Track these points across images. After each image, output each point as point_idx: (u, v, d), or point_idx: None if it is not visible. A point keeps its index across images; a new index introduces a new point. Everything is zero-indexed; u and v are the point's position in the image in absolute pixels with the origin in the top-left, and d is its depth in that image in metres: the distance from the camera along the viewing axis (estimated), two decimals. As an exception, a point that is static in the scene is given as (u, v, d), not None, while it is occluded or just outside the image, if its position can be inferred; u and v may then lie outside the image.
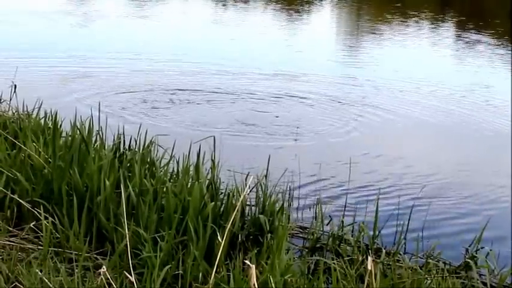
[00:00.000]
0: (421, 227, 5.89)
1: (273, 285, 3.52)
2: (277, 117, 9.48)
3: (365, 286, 3.53)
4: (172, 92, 10.51)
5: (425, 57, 16.68)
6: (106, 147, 5.98)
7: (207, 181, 5.39)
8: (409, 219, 5.66)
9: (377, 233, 5.40)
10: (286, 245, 4.80)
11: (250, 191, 5.50)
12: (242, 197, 4.64)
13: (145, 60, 13.02)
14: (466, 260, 5.16)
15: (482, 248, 5.43)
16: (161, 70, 12.14)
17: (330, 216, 5.76)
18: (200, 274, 4.26)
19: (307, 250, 5.24)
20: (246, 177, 5.43)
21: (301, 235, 5.52)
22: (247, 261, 3.64)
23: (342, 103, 10.61)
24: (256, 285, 3.22)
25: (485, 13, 25.70)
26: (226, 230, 3.69)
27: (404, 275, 4.60)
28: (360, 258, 4.81)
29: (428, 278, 4.59)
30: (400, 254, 5.21)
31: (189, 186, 5.16)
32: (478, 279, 4.89)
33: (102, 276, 3.77)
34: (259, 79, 11.99)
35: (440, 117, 10.25)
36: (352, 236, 5.37)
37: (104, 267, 3.71)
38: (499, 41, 19.58)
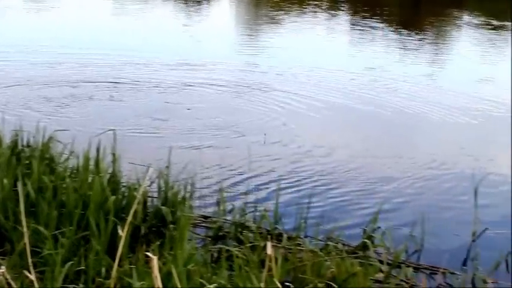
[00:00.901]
0: (320, 211, 6.07)
1: (175, 275, 3.56)
2: (188, 109, 9.48)
3: (265, 270, 3.62)
4: (73, 85, 10.33)
5: (323, 44, 17.05)
6: (3, 144, 5.84)
7: (108, 175, 5.37)
8: (309, 204, 5.81)
9: (278, 219, 5.53)
10: (189, 234, 4.86)
11: (152, 183, 5.53)
12: (142, 189, 4.65)
13: (45, 53, 12.70)
14: (364, 240, 5.36)
15: (378, 227, 5.66)
16: (61, 63, 11.87)
17: (232, 204, 5.84)
18: (103, 269, 4.27)
19: (210, 239, 5.31)
20: (147, 169, 5.43)
21: (204, 224, 5.58)
22: (149, 253, 3.67)
23: (245, 91, 10.74)
24: (158, 277, 3.25)
25: (378, 2, 26.42)
26: (127, 222, 3.69)
27: (305, 258, 4.73)
28: (262, 244, 4.90)
29: (328, 260, 4.74)
30: (301, 238, 5.36)
31: (89, 181, 5.13)
32: (375, 258, 5.10)
33: (1, 277, 3.71)
34: (163, 69, 11.96)
35: (340, 101, 10.53)
36: (254, 223, 5.48)
37: (2, 267, 3.65)
38: (391, 26, 20.26)
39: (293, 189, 6.52)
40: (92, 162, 5.52)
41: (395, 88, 11.68)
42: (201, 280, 4.05)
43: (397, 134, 9.25)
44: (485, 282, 5.06)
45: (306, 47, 16.35)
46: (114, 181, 5.29)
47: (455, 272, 5.18)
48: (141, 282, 3.93)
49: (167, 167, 5.64)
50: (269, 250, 3.50)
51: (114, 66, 11.85)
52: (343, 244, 5.31)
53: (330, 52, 15.89)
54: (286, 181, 6.77)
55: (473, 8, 25.16)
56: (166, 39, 15.91)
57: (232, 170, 7.05)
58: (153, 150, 7.34)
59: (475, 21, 23.06)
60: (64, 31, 15.71)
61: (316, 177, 6.97)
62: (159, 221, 5.11)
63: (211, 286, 3.84)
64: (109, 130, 5.73)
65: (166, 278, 3.96)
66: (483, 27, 21.80)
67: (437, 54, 16.85)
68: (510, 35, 18.79)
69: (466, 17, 23.79)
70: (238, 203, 5.87)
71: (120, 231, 4.06)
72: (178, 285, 3.28)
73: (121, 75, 11.15)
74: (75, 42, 13.90)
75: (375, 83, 12.04)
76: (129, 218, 4.11)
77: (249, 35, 18.22)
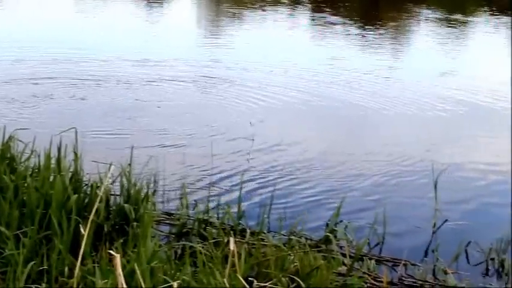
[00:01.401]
0: (284, 206, 6.11)
1: (138, 273, 3.57)
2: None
3: (228, 266, 3.65)
4: (33, 82, 10.21)
5: (285, 39, 17.13)
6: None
7: (70, 174, 5.33)
8: (271, 200, 5.85)
9: (241, 214, 5.55)
10: (152, 232, 4.86)
11: (114, 181, 5.50)
12: (104, 186, 4.63)
13: (4, 50, 12.52)
14: (326, 234, 5.42)
15: (341, 221, 5.73)
16: (21, 60, 11.71)
17: (195, 201, 5.85)
18: (66, 268, 4.25)
19: (173, 236, 5.31)
20: (109, 167, 5.41)
21: (167, 221, 5.58)
22: (112, 251, 3.66)
23: (208, 86, 10.78)
24: (121, 275, 3.26)
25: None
26: (89, 221, 3.69)
27: (269, 252, 4.77)
28: (225, 240, 4.93)
29: (291, 254, 4.78)
30: (264, 233, 5.39)
31: (51, 180, 5.09)
32: (337, 251, 5.16)
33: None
34: (126, 66, 11.90)
35: (303, 97, 10.60)
36: (217, 219, 5.50)
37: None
38: (352, 21, 20.43)
39: (256, 185, 6.55)
40: (53, 161, 5.48)
41: (357, 83, 11.79)
42: (165, 277, 4.06)
43: (358, 128, 9.34)
44: (445, 272, 5.16)
45: (268, 42, 16.41)
46: (76, 180, 5.25)
47: (416, 264, 5.26)
48: (104, 281, 3.92)
49: (129, 164, 5.62)
50: (232, 246, 3.54)
51: (75, 63, 11.74)
52: (306, 238, 5.36)
53: (292, 47, 15.96)
54: (249, 177, 6.79)
55: (431, 2, 25.44)
56: (127, 36, 15.80)
57: (195, 167, 7.05)
58: (116, 148, 7.30)
59: (434, 15, 23.36)
60: (23, 29, 15.51)
61: (279, 173, 7.01)
62: (122, 219, 5.09)
63: (175, 283, 3.84)
64: (70, 128, 5.67)
65: (130, 275, 3.96)
66: (442, 22, 22.09)
67: (397, 48, 17.03)
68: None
69: (425, 11, 24.08)
70: (201, 200, 5.88)
71: (82, 230, 4.06)
72: (142, 283, 3.29)
73: (83, 73, 11.06)
74: (35, 40, 13.75)
75: (336, 77, 12.14)
76: (91, 217, 4.12)
77: (211, 32, 18.22)
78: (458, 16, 22.98)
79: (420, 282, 4.86)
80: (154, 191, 5.92)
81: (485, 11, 24.82)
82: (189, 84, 10.92)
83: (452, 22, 21.81)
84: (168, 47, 14.43)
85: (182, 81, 11.06)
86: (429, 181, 6.52)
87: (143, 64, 12.14)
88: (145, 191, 5.41)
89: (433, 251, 5.56)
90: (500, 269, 5.31)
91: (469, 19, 22.82)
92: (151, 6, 22.14)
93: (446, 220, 5.90)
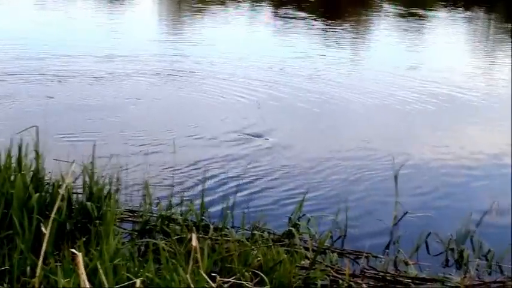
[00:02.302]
0: (247, 201, 6.14)
1: (101, 271, 3.57)
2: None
3: (191, 262, 3.67)
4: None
5: (247, 35, 17.19)
6: None
7: (32, 173, 5.29)
8: (235, 195, 5.88)
9: (204, 210, 5.57)
10: (115, 230, 4.85)
11: (77, 179, 5.48)
12: (65, 185, 4.61)
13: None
14: (289, 228, 5.47)
15: (304, 215, 5.79)
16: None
17: (158, 198, 5.85)
18: (28, 268, 4.23)
19: (136, 233, 5.31)
20: (71, 165, 5.38)
21: (130, 219, 5.57)
22: (74, 250, 3.66)
23: (171, 80, 10.80)
24: (84, 273, 3.26)
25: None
26: (51, 219, 3.68)
27: (232, 248, 4.80)
28: (189, 236, 4.94)
29: (255, 249, 4.81)
30: (228, 229, 5.41)
31: (12, 179, 5.05)
32: (300, 245, 5.20)
33: None
34: (90, 62, 11.85)
35: (266, 90, 10.67)
36: (180, 216, 5.51)
37: None
38: (313, 15, 20.54)
39: (219, 181, 6.57)
40: (14, 160, 5.43)
41: (320, 76, 11.92)
42: (128, 274, 4.06)
43: (320, 121, 9.40)
44: (406, 264, 5.24)
45: (232, 37, 16.46)
46: (37, 179, 5.21)
47: (378, 256, 5.33)
48: (67, 280, 3.91)
49: (92, 162, 5.59)
50: (194, 242, 3.55)
51: (38, 59, 11.64)
52: (269, 233, 5.39)
53: (256, 42, 16.06)
54: (212, 173, 6.81)
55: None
56: (90, 32, 15.71)
57: (159, 163, 7.05)
58: (79, 146, 7.26)
59: (396, 10, 23.58)
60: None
61: (241, 168, 7.04)
62: (84, 217, 5.07)
63: (138, 280, 3.85)
64: (31, 127, 5.62)
65: (93, 274, 3.96)
66: (403, 16, 22.32)
67: (359, 42, 17.17)
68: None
69: (387, 6, 24.30)
70: (164, 197, 5.88)
71: (43, 229, 4.04)
72: (104, 281, 3.29)
73: (46, 69, 10.96)
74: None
75: (300, 71, 12.26)
76: (53, 215, 4.10)
77: (175, 27, 18.21)
78: (419, 10, 23.26)
79: (382, 273, 4.92)
80: (117, 188, 5.89)
81: (444, 5, 25.16)
82: (153, 80, 10.93)
83: (413, 16, 22.07)
84: (132, 43, 14.42)
85: (146, 76, 11.08)
86: (391, 173, 6.60)
87: (108, 60, 12.11)
88: (108, 188, 5.40)
89: (394, 243, 5.64)
90: (460, 259, 5.40)
91: (429, 13, 23.11)
92: (113, 2, 21.99)
93: (406, 212, 5.99)
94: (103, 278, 3.57)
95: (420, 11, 23.10)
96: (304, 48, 14.96)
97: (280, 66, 12.59)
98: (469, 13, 24.81)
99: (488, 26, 23.64)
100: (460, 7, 25.45)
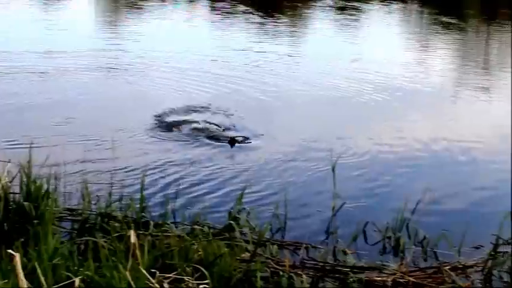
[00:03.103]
0: (187, 197, 6.16)
1: (39, 271, 3.55)
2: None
3: (130, 259, 3.68)
4: None
5: (187, 29, 17.22)
6: None
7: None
8: (175, 190, 5.89)
9: (144, 207, 5.56)
10: (54, 229, 4.82)
11: (13, 179, 5.41)
12: (1, 185, 4.55)
13: None
14: (229, 222, 5.51)
15: (243, 209, 5.84)
16: None
17: (97, 195, 5.81)
18: (-35, 270, 4.16)
19: (76, 232, 5.26)
20: (7, 164, 5.32)
21: (70, 217, 5.52)
22: (11, 251, 3.63)
23: (110, 76, 10.78)
24: (22, 274, 3.24)
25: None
26: (-14, 221, 3.65)
27: (173, 243, 4.81)
28: (129, 234, 4.93)
29: (195, 243, 4.83)
30: (168, 224, 5.42)
31: None
32: (240, 238, 5.25)
33: None
34: (29, 58, 11.71)
35: (206, 83, 10.74)
36: (120, 213, 5.48)
37: None
38: (252, 9, 20.62)
39: (159, 176, 6.56)
40: None
41: (260, 67, 12.07)
42: (68, 273, 4.04)
43: (260, 113, 9.46)
44: (345, 253, 5.34)
45: (170, 32, 16.46)
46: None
47: (317, 246, 5.41)
48: (5, 281, 3.88)
49: (29, 161, 5.52)
50: (133, 238, 3.58)
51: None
52: (210, 227, 5.42)
53: (194, 36, 16.09)
54: (152, 168, 6.80)
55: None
56: (28, 28, 15.49)
57: (97, 161, 7.00)
58: (16, 145, 7.16)
59: (333, 4, 23.84)
60: None
61: (180, 163, 7.04)
62: (22, 217, 5.02)
63: (77, 279, 3.85)
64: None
65: (32, 274, 3.93)
66: (340, 9, 22.58)
67: (297, 36, 17.32)
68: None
69: (326, 0, 24.53)
70: (104, 194, 5.84)
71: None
72: (43, 281, 3.28)
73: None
74: None
75: (238, 64, 12.34)
76: (-11, 217, 4.05)
77: (113, 23, 18.07)
78: (355, 3, 23.57)
79: (321, 264, 5.00)
80: (56, 187, 5.83)
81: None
82: (90, 75, 10.89)
83: (350, 10, 22.34)
84: (71, 39, 14.32)
85: (86, 71, 11.04)
86: (329, 165, 6.69)
87: (47, 56, 11.99)
88: (45, 187, 5.35)
89: (332, 233, 5.74)
90: (396, 247, 5.54)
91: (366, 6, 23.45)
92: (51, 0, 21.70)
93: (344, 203, 6.09)
94: (41, 277, 3.55)
95: (357, 4, 23.41)
96: (242, 41, 15.04)
97: (218, 60, 12.65)
98: (403, 6, 25.30)
99: (421, 18, 24.17)
100: (395, 0, 25.90)
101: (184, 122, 8.57)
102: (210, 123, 8.51)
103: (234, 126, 8.56)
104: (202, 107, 9.33)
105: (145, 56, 12.64)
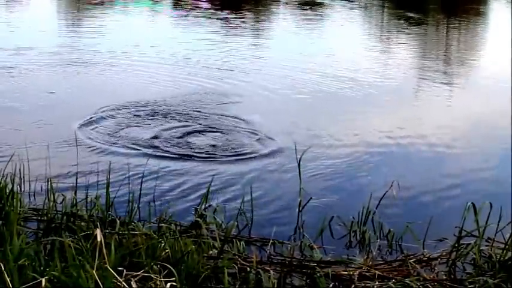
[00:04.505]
0: (153, 194, 6.15)
1: (4, 272, 3.53)
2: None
3: (96, 258, 3.67)
4: None
5: (151, 26, 17.23)
6: None
7: None
8: (140, 189, 5.87)
9: (110, 205, 5.54)
10: (19, 229, 4.78)
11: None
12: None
13: None
14: (196, 219, 5.52)
15: (210, 206, 5.85)
16: None
17: (63, 195, 5.78)
18: None
19: (42, 232, 5.23)
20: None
21: (35, 217, 5.48)
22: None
23: (75, 73, 10.77)
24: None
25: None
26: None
27: (139, 241, 4.80)
28: (95, 232, 4.90)
29: (162, 241, 4.83)
30: (135, 222, 5.40)
31: None
32: (207, 235, 5.26)
33: None
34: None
35: (167, 81, 10.74)
36: (86, 212, 5.46)
37: None
38: (216, 6, 20.63)
39: (124, 174, 6.53)
40: None
41: (225, 63, 12.09)
42: (34, 274, 4.01)
43: (225, 108, 9.46)
44: (312, 248, 5.37)
45: (134, 29, 16.43)
46: None
47: (284, 242, 5.44)
48: (-30, 283, 3.84)
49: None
50: (99, 237, 3.57)
51: None
52: (176, 225, 5.42)
53: (159, 33, 16.10)
54: (117, 166, 6.78)
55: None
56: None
57: (62, 159, 6.95)
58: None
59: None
60: None
61: (146, 159, 7.02)
62: (-14, 219, 4.97)
63: (43, 279, 3.82)
64: None
65: (-3, 275, 3.90)
66: (303, 4, 22.69)
67: (260, 32, 17.37)
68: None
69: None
70: (69, 193, 5.81)
71: None
72: (8, 282, 3.26)
73: None
74: None
75: (203, 60, 12.39)
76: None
77: (76, 19, 17.96)
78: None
79: (288, 259, 5.04)
80: (20, 187, 5.79)
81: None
82: (56, 70, 10.83)
83: (313, 5, 22.47)
84: (32, 35, 14.23)
85: (50, 68, 10.96)
86: (295, 160, 6.72)
87: (14, 53, 11.91)
88: (10, 187, 5.30)
89: (299, 229, 5.78)
90: (362, 241, 5.60)
91: (329, 2, 23.60)
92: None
93: (310, 198, 6.13)
94: (7, 279, 3.52)
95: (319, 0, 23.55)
96: (205, 37, 15.06)
97: (182, 55, 12.69)
98: (364, 1, 25.51)
99: (382, 13, 24.41)
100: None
101: (148, 117, 8.56)
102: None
103: (196, 120, 8.59)
104: (162, 104, 9.32)
105: (107, 51, 12.63)
